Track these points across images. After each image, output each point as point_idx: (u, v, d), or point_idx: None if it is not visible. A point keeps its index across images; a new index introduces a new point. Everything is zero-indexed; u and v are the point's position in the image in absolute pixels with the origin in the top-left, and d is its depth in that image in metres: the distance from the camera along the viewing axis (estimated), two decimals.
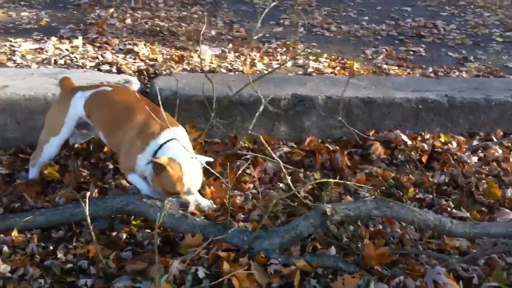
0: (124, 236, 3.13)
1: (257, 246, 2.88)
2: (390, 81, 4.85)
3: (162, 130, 3.15)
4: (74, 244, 3.04)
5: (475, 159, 4.11)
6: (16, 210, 3.34)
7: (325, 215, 2.87)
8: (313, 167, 4.01)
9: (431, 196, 3.58)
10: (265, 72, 4.96)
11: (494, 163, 4.10)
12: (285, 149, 4.17)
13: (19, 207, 3.36)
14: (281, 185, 3.69)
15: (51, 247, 3.03)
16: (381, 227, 3.26)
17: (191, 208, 3.10)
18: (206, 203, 3.35)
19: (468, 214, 3.40)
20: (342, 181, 3.27)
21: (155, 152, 3.11)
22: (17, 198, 3.46)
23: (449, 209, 3.46)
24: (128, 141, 3.24)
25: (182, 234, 3.06)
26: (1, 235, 3.06)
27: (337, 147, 4.20)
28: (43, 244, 3.04)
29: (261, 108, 3.41)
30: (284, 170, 3.14)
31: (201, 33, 4.10)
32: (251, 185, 3.66)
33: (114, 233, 3.16)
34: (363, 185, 3.32)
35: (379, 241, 3.05)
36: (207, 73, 4.13)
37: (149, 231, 3.16)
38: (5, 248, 2.97)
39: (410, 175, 3.87)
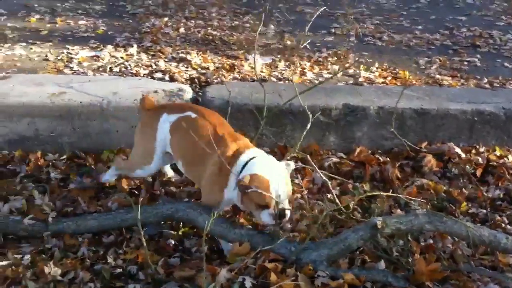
0: (173, 243, 3.17)
1: (304, 257, 2.86)
2: (444, 92, 4.74)
3: (238, 156, 3.04)
4: (124, 249, 3.10)
5: None
6: (69, 214, 3.42)
7: (376, 228, 2.82)
8: (362, 178, 3.96)
9: (484, 211, 3.48)
10: (316, 82, 4.93)
11: None
12: (334, 159, 4.13)
13: (72, 211, 3.44)
14: (329, 196, 3.64)
15: (101, 252, 3.10)
16: (432, 241, 3.19)
17: (287, 217, 2.93)
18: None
19: None
20: (393, 194, 3.21)
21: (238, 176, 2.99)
22: (71, 202, 3.54)
23: (503, 225, 3.37)
24: (210, 179, 3.13)
25: (230, 243, 3.06)
26: (53, 239, 3.14)
27: (388, 159, 4.14)
28: (93, 249, 3.12)
29: (309, 125, 3.38)
30: (330, 186, 3.09)
31: (255, 43, 4.09)
32: (299, 195, 3.63)
33: (163, 240, 3.19)
34: (414, 198, 3.24)
35: (430, 256, 2.98)
36: (258, 82, 4.13)
37: (197, 238, 3.18)
38: (57, 252, 3.06)
39: (463, 189, 3.78)
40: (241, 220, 3.33)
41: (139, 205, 2.88)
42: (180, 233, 3.24)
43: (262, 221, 2.93)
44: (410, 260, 2.90)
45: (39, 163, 3.96)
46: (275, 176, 2.88)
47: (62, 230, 3.21)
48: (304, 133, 3.20)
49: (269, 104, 4.00)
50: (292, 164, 3.04)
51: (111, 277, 2.90)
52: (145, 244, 2.89)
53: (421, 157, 4.09)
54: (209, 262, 2.94)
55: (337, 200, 3.17)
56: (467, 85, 5.43)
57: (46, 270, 2.88)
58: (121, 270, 2.94)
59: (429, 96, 4.52)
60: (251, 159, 2.99)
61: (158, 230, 3.25)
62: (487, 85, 5.37)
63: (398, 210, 3.42)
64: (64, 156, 4.12)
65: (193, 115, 3.30)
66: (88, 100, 4.17)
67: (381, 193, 3.15)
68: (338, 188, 3.75)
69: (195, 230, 3.25)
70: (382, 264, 2.88)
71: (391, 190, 3.69)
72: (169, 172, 3.88)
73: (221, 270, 2.78)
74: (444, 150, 4.17)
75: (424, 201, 3.47)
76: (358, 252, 3.01)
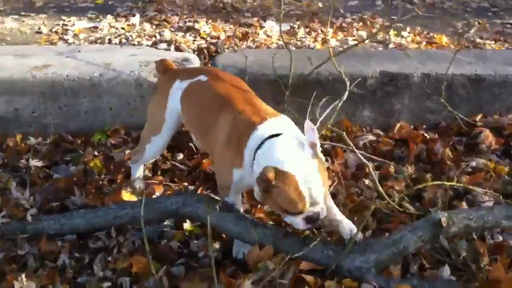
0: (177, 246, 2.53)
1: (347, 264, 2.22)
2: (499, 55, 4.06)
3: (253, 126, 2.33)
4: (114, 256, 2.47)
5: None
6: (54, 210, 2.81)
7: (439, 226, 2.19)
8: (405, 159, 3.29)
9: None
10: (340, 49, 4.33)
11: None
12: (370, 137, 3.46)
13: (57, 207, 2.82)
14: (366, 182, 2.99)
15: (86, 260, 2.48)
16: (501, 238, 2.53)
17: (324, 216, 2.23)
18: (348, 225, 2.44)
19: None
20: (457, 184, 2.52)
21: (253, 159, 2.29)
22: (54, 196, 2.91)
23: None
24: (219, 154, 2.49)
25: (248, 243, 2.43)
26: (26, 244, 2.53)
27: (436, 135, 3.46)
28: (77, 255, 2.49)
29: (346, 94, 2.75)
30: (372, 171, 2.43)
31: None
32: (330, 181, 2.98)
33: (163, 242, 2.57)
34: (478, 188, 2.56)
35: (503, 258, 2.33)
36: (276, 50, 3.51)
37: (206, 239, 2.55)
38: (31, 261, 2.45)
39: None
40: (259, 214, 2.70)
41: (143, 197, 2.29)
42: (186, 233, 2.60)
43: (291, 224, 2.25)
44: (482, 265, 2.24)
45: (18, 148, 3.36)
46: (307, 169, 2.14)
47: (42, 230, 2.61)
48: (340, 104, 2.57)
49: (292, 74, 3.36)
50: (318, 143, 2.24)
51: None
52: (147, 247, 2.25)
53: (476, 133, 3.41)
54: (222, 270, 2.33)
55: (380, 188, 2.51)
56: None
57: (17, 285, 2.28)
58: (110, 283, 2.32)
59: (482, 60, 3.84)
60: (272, 136, 2.26)
61: (159, 230, 2.61)
62: None
63: (463, 203, 2.73)
64: (48, 140, 3.52)
65: (204, 79, 2.74)
66: (76, 73, 3.56)
67: (444, 182, 2.45)
68: (377, 172, 3.08)
69: (203, 228, 2.62)
70: (446, 271, 2.23)
71: (446, 177, 3.01)
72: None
73: (244, 283, 2.14)
74: (504, 123, 3.50)
75: (490, 189, 2.76)
76: (411, 255, 2.36)
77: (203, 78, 2.74)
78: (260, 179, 2.11)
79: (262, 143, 2.23)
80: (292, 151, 2.16)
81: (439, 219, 2.17)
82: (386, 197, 2.44)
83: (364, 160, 2.52)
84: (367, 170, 2.98)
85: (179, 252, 2.51)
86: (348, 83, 2.80)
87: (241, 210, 2.57)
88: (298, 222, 2.19)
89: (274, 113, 2.46)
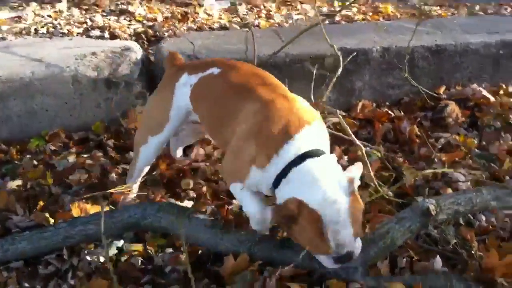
0: (139, 262, 2.25)
1: None
2: (456, 23, 3.94)
3: (287, 138, 2.00)
4: (69, 281, 2.16)
5: None
6: None
7: (427, 215, 2.01)
8: (372, 140, 3.11)
9: None
10: (286, 25, 4.17)
11: None
12: (334, 119, 3.24)
13: None
14: None
15: None
16: (484, 218, 2.40)
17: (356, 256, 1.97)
18: None
19: None
20: (448, 170, 2.37)
21: (280, 175, 1.98)
22: None
23: None
24: (239, 140, 2.14)
25: (221, 252, 2.18)
26: None
27: (402, 113, 3.29)
28: (26, 285, 2.16)
29: (338, 72, 2.57)
30: (368, 163, 2.25)
31: None
32: None
33: (124, 258, 2.28)
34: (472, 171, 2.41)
35: (492, 241, 2.20)
36: (217, 30, 3.26)
37: (172, 251, 2.29)
38: None
39: (501, 141, 2.98)
40: (229, 217, 2.45)
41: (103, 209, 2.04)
42: (149, 247, 2.32)
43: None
44: (474, 252, 2.10)
45: None
46: (338, 207, 1.86)
47: None
48: (330, 86, 2.44)
49: (246, 57, 3.11)
50: (358, 173, 1.98)
51: None
52: (111, 267, 1.95)
53: (442, 106, 3.26)
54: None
55: (374, 178, 2.33)
56: (458, 14, 4.94)
57: None
58: None
59: (440, 30, 3.71)
60: (303, 156, 1.95)
61: (117, 246, 2.33)
62: (481, 13, 4.90)
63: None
64: None
65: (217, 71, 2.42)
66: (4, 73, 3.17)
67: (435, 170, 2.29)
68: (345, 157, 2.89)
69: (167, 238, 2.35)
70: (438, 262, 2.07)
71: (417, 155, 2.86)
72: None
73: None
74: (467, 94, 3.37)
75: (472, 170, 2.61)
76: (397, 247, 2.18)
77: (215, 70, 2.42)
78: (281, 211, 1.88)
79: (297, 160, 1.95)
80: (327, 184, 1.87)
81: (427, 207, 2.00)
82: (379, 188, 2.27)
83: (364, 148, 2.35)
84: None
85: (143, 269, 2.23)
86: (341, 59, 2.69)
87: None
88: (325, 261, 1.95)
89: (310, 115, 2.11)
